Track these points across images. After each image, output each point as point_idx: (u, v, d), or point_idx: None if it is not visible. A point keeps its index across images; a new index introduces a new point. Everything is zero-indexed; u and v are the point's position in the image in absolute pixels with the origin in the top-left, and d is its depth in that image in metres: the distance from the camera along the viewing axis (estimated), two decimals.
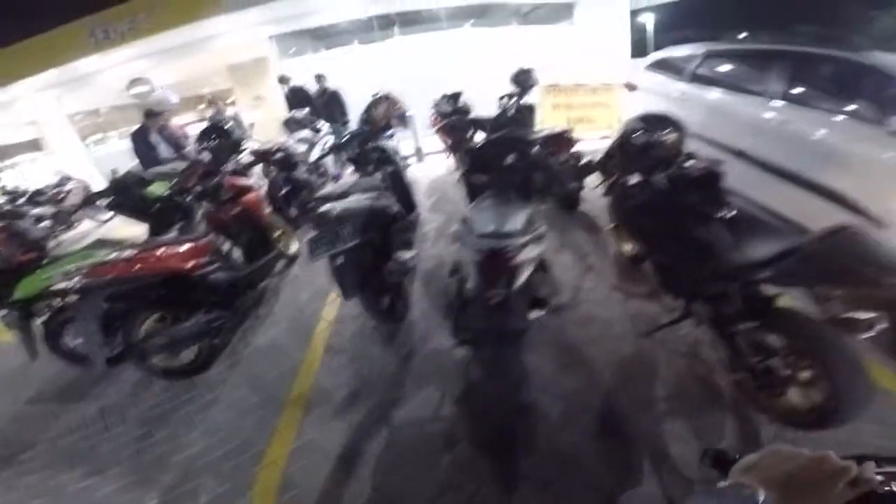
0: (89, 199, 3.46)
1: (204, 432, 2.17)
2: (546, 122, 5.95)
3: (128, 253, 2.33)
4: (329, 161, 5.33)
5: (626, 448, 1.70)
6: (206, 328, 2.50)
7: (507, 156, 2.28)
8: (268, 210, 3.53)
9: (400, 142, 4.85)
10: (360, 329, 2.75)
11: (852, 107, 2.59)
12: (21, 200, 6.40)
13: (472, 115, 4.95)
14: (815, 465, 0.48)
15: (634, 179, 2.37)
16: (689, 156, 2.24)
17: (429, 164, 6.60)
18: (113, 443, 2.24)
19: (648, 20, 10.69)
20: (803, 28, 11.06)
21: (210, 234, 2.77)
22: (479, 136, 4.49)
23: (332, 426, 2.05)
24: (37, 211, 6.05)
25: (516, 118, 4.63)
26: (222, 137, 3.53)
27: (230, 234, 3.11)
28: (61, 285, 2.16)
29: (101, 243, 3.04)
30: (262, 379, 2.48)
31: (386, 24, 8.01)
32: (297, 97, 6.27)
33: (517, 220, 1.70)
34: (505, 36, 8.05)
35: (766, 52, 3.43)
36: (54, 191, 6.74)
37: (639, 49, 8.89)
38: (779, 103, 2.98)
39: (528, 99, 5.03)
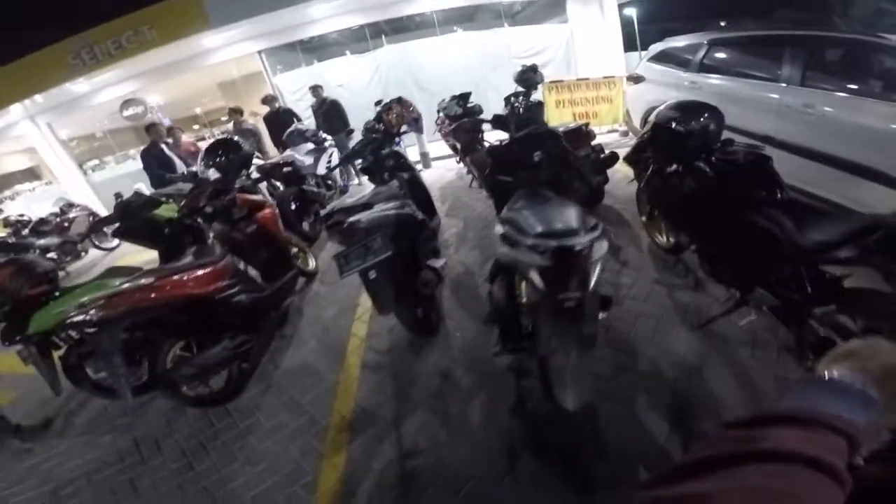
0: (95, 227, 3.32)
1: (245, 462, 2.05)
2: (551, 118, 5.90)
3: (144, 281, 2.20)
4: (336, 173, 5.24)
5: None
6: (234, 353, 2.38)
7: (535, 153, 2.19)
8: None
9: (406, 149, 4.80)
10: (395, 344, 2.64)
11: (871, 86, 2.57)
12: (25, 231, 6.18)
13: (482, 116, 4.88)
14: None
15: (673, 169, 2.31)
16: (729, 142, 2.19)
17: (435, 170, 6.53)
18: (152, 476, 2.13)
19: (632, 13, 10.76)
20: (786, 14, 11.22)
21: (227, 256, 2.65)
22: (494, 137, 4.43)
23: (383, 448, 1.93)
24: (42, 242, 5.86)
25: (528, 116, 4.65)
26: (231, 152, 3.40)
27: (246, 254, 2.99)
28: (77, 318, 2.04)
29: (114, 271, 2.90)
30: (298, 402, 2.36)
31: (376, 32, 7.97)
32: (276, 121, 5.89)
33: (574, 217, 1.61)
34: (497, 37, 8.00)
35: (775, 38, 3.42)
36: (58, 220, 6.52)
37: (628, 42, 8.92)
38: (797, 87, 2.95)
39: (535, 96, 5.06)
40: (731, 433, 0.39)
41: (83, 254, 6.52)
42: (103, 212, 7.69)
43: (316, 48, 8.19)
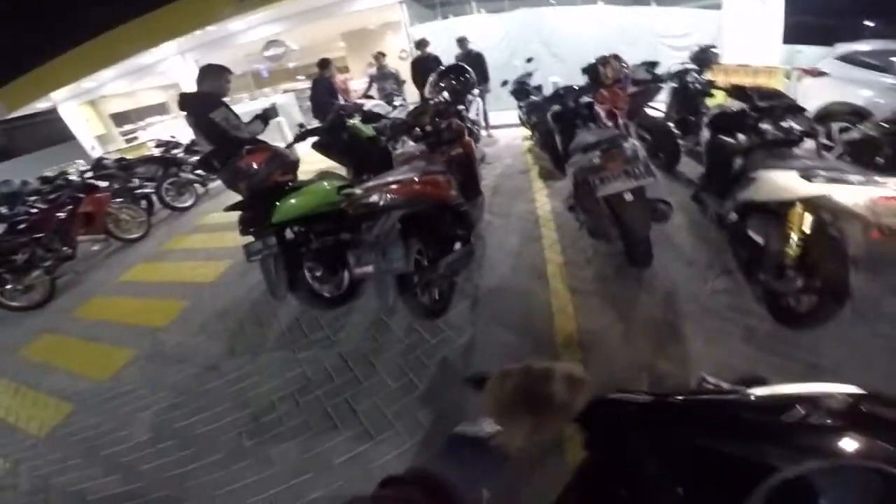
0: (301, 136, 3.56)
1: None
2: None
3: (412, 175, 2.30)
4: (480, 120, 5.38)
5: None
6: (461, 262, 2.47)
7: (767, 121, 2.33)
8: None
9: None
10: (599, 272, 2.64)
11: None
12: (175, 151, 6.87)
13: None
14: (524, 374, 0.48)
15: None
16: None
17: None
18: (372, 396, 2.01)
19: (805, 6, 9.58)
20: None
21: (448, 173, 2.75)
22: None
23: (622, 370, 1.89)
24: (193, 160, 6.46)
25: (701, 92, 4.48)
26: (463, 77, 3.55)
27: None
28: (369, 200, 2.03)
29: (327, 175, 3.15)
30: (513, 321, 2.35)
31: None
32: (424, 66, 5.91)
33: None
34: (641, 15, 7.58)
35: None
36: None
37: (793, 35, 8.07)
38: None
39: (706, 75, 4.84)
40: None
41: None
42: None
43: (452, 3, 8.23)
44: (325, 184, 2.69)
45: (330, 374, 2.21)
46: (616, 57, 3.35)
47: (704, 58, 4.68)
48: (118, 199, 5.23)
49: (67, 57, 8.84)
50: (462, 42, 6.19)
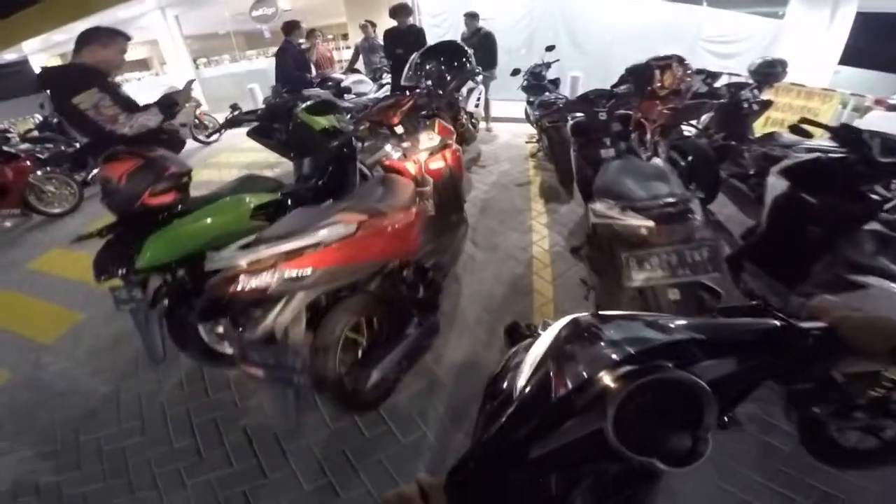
0: (233, 121, 2.66)
1: None
2: None
3: (342, 230, 1.45)
4: (480, 110, 4.48)
5: None
6: (419, 346, 1.69)
7: None
8: None
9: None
10: None
11: None
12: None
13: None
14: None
15: None
16: None
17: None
18: (277, 497, 1.57)
19: (876, 27, 8.51)
20: None
21: (418, 203, 1.90)
22: None
23: None
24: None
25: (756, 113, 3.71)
26: (456, 61, 2.56)
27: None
28: (256, 283, 1.30)
29: (252, 182, 2.29)
30: None
31: None
32: (401, 43, 4.46)
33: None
34: (687, 13, 6.61)
35: None
36: None
37: (853, 57, 7.11)
38: None
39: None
40: None
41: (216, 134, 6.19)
42: (205, 107, 7.41)
43: None
44: (232, 204, 1.88)
45: (228, 454, 1.73)
46: (681, 60, 2.42)
47: (770, 73, 3.79)
48: (48, 168, 4.42)
49: (35, 9, 7.94)
50: (471, 18, 5.20)
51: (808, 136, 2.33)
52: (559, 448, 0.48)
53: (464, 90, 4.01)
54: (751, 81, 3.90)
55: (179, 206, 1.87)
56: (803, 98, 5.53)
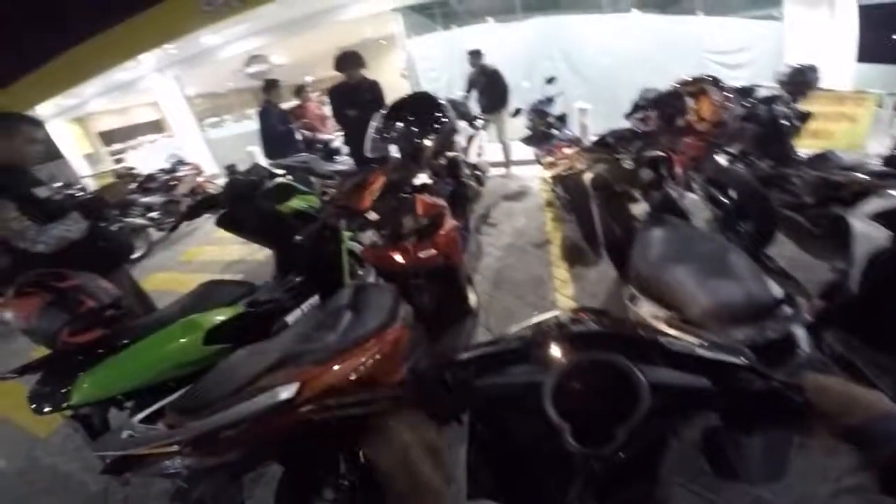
0: (193, 212, 2.28)
1: None
2: None
3: (276, 398, 1.02)
4: (483, 161, 4.06)
5: None
6: None
7: None
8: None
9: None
10: None
11: None
12: (132, 186, 5.82)
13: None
14: None
15: None
16: None
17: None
18: None
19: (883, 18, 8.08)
20: None
21: (402, 309, 1.46)
22: None
23: None
24: (146, 199, 5.49)
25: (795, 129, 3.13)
26: (433, 118, 2.06)
27: (409, 293, 1.85)
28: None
29: (214, 290, 1.92)
30: None
31: (528, 2, 6.62)
32: (352, 102, 3.53)
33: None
34: (685, 26, 6.28)
35: None
36: (166, 177, 6.06)
37: (870, 52, 6.63)
38: None
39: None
40: None
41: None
42: (215, 170, 7.35)
43: (456, 13, 7.03)
44: (178, 331, 1.53)
45: None
46: (716, 82, 1.96)
47: (802, 81, 3.42)
48: None
49: (33, 77, 8.16)
50: (475, 56, 4.91)
51: None
52: (502, 384, 0.59)
53: (462, 140, 3.66)
54: (782, 93, 3.47)
55: (116, 339, 1.52)
56: (835, 103, 5.04)
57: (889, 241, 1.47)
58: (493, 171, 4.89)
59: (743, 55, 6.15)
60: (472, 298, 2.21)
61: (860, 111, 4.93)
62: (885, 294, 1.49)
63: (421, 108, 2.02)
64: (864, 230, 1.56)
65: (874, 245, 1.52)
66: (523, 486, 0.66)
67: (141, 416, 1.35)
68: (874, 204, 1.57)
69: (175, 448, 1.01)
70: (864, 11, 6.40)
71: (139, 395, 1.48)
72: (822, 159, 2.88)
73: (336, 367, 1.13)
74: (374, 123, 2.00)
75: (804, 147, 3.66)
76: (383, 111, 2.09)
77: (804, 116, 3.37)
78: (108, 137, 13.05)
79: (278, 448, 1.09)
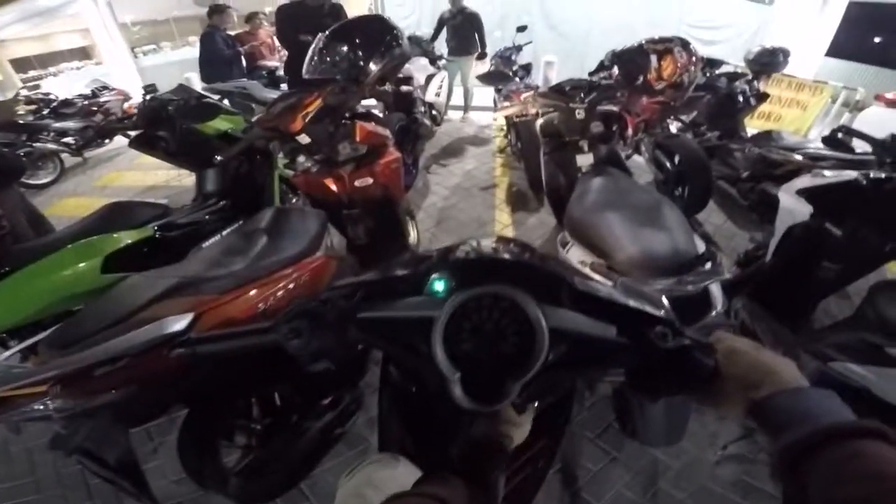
0: (105, 130, 2.01)
1: None
2: None
3: (166, 329, 0.90)
4: (441, 102, 3.91)
5: None
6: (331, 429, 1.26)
7: None
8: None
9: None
10: None
11: None
12: (45, 111, 5.10)
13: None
14: None
15: None
16: None
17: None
18: None
19: (868, 18, 8.18)
20: None
21: (329, 239, 1.36)
22: None
23: None
24: (59, 125, 4.81)
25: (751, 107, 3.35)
26: (379, 43, 1.80)
27: (343, 224, 1.74)
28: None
29: (118, 212, 1.73)
30: None
31: None
32: (298, 22, 2.92)
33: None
34: None
35: None
36: (85, 102, 5.42)
37: (840, 49, 6.83)
38: None
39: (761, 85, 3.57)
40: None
41: (107, 141, 5.43)
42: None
43: None
44: (74, 254, 1.37)
45: None
46: (685, 45, 1.86)
47: (770, 64, 3.43)
48: None
49: None
50: None
51: (850, 150, 1.93)
52: (389, 318, 0.49)
53: (421, 77, 3.45)
54: (747, 72, 3.51)
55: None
56: (794, 90, 5.20)
57: (809, 216, 1.52)
58: (452, 114, 4.78)
59: (721, 32, 6.23)
60: (412, 234, 2.15)
61: (813, 100, 5.10)
62: (794, 267, 1.57)
63: (371, 30, 1.80)
64: (790, 204, 1.60)
65: (795, 219, 1.57)
66: (430, 440, 0.60)
67: (8, 353, 1.20)
68: (803, 181, 1.60)
69: (42, 388, 0.87)
70: (852, 8, 6.52)
71: (24, 333, 1.29)
72: (766, 137, 2.98)
73: (241, 298, 1.03)
74: (317, 44, 1.77)
75: (753, 126, 3.80)
76: (328, 31, 1.86)
77: (761, 97, 3.45)
78: (23, 64, 11.56)
79: (176, 390, 0.96)
